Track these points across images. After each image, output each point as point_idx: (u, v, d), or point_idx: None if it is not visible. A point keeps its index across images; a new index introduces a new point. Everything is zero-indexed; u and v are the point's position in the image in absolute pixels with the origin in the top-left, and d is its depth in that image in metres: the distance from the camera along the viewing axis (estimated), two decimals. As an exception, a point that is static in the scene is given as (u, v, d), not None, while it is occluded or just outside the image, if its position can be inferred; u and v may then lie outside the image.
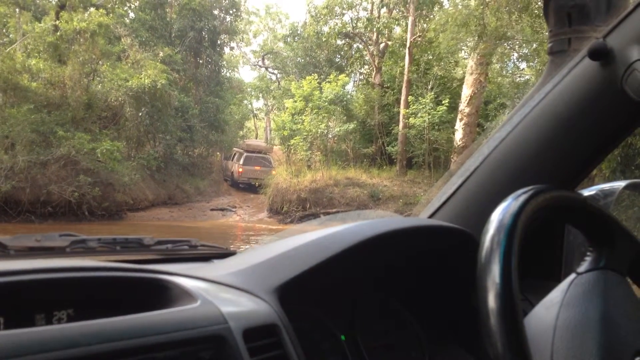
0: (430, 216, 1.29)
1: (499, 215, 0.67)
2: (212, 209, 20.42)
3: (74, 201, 15.38)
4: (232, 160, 25.45)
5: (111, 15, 18.90)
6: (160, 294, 0.82)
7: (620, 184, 1.27)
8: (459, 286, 1.23)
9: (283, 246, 1.04)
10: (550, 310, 0.77)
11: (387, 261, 1.21)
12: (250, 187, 23.13)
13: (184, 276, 0.88)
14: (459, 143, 15.19)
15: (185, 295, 0.81)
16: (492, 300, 0.60)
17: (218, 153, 27.49)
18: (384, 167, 19.58)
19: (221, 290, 0.89)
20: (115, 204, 17.02)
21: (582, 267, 0.82)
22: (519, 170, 1.14)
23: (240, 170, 23.81)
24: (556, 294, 0.80)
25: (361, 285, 1.22)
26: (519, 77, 19.42)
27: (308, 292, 1.03)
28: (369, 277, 1.23)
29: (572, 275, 0.82)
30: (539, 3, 11.88)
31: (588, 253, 0.83)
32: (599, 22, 1.08)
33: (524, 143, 1.14)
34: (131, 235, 1.13)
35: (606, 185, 1.29)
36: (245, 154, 24.18)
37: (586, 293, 0.78)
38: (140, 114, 19.18)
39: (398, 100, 19.72)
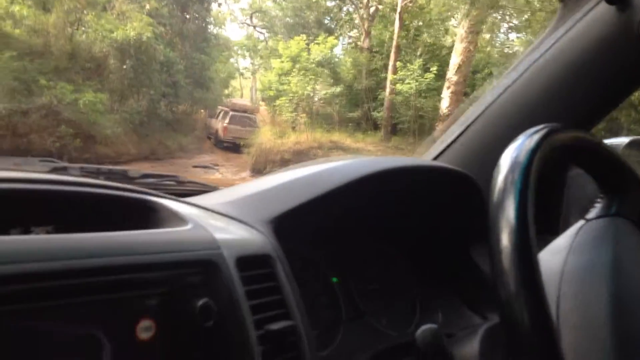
0: (434, 159, 1.25)
1: (512, 153, 0.63)
2: (194, 166, 20.21)
3: (55, 151, 15.08)
4: (216, 118, 25.14)
5: (97, -37, 18.34)
6: (148, 215, 0.77)
7: (623, 140, 1.25)
8: (456, 232, 1.20)
9: (280, 179, 1.00)
10: (557, 256, 0.74)
11: (385, 202, 1.17)
12: (233, 146, 22.93)
13: (174, 200, 0.83)
14: (444, 111, 15.14)
15: (175, 218, 0.76)
16: (505, 238, 0.56)
17: (202, 110, 27.15)
18: (369, 132, 19.49)
19: (214, 218, 0.84)
20: (97, 156, 16.76)
21: (592, 214, 0.79)
22: (526, 116, 1.11)
23: (225, 128, 23.57)
24: (563, 239, 0.77)
25: (356, 227, 1.19)
26: (508, 48, 19.34)
27: (302, 230, 0.99)
28: (365, 218, 1.20)
29: (581, 222, 0.79)
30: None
31: (598, 199, 0.80)
32: (615, -34, 1.03)
33: (533, 89, 1.11)
34: (116, 167, 1.08)
35: (607, 141, 1.26)
36: (230, 113, 23.88)
37: (596, 239, 0.75)
38: (124, 66, 18.78)
39: (386, 66, 19.52)
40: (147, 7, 20.91)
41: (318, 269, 1.10)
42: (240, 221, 0.85)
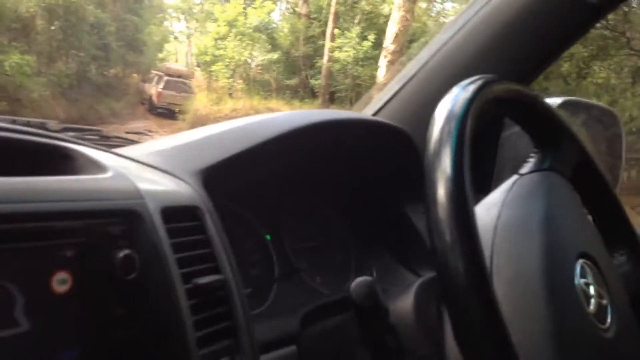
0: (372, 115, 1.23)
1: (448, 104, 0.61)
2: (127, 132, 19.58)
3: (-23, 114, 14.41)
4: (150, 83, 24.43)
5: None
6: (63, 163, 0.70)
7: (556, 100, 1.26)
8: (392, 189, 1.19)
9: (211, 130, 0.95)
10: (491, 211, 0.74)
11: (320, 157, 1.14)
12: (168, 113, 22.37)
13: (94, 148, 0.77)
14: (382, 80, 15.27)
15: (94, 167, 0.69)
16: (441, 189, 0.55)
17: (135, 75, 26.28)
18: (307, 100, 19.48)
19: (138, 168, 0.78)
20: (23, 121, 16.08)
21: (525, 168, 0.79)
22: (464, 70, 1.09)
23: (160, 94, 22.95)
24: (497, 194, 0.77)
25: (291, 183, 1.15)
26: (444, 17, 19.61)
27: (234, 183, 0.95)
28: (300, 174, 1.16)
29: (515, 177, 0.79)
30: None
31: (532, 154, 0.80)
32: None
33: (470, 44, 1.10)
34: (34, 119, 1.00)
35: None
36: (165, 78, 23.22)
37: (529, 193, 0.76)
38: (52, 27, 17.91)
39: (324, 33, 19.45)
40: (76, -36, 19.94)
41: (250, 226, 1.07)
42: (167, 172, 0.80)
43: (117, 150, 0.90)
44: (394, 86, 1.21)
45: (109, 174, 0.67)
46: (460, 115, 0.60)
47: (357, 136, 1.13)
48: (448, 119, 0.59)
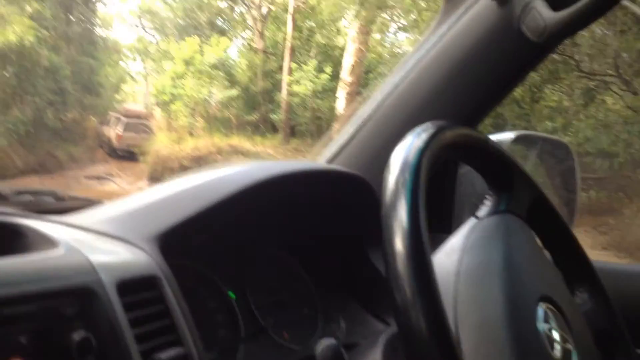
0: (329, 161, 1.23)
1: (402, 152, 0.62)
2: (87, 177, 19.33)
3: None
4: (109, 125, 24.18)
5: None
6: (12, 241, 0.68)
7: (509, 135, 1.28)
8: (354, 237, 1.19)
9: (165, 191, 0.93)
10: (452, 256, 0.74)
11: (279, 210, 1.13)
12: (129, 155, 22.11)
13: (46, 221, 0.74)
14: (341, 112, 15.41)
15: (45, 242, 0.67)
16: (399, 242, 0.55)
17: (93, 118, 25.97)
18: (268, 135, 19.47)
19: (90, 238, 0.76)
20: (-21, 172, 15.67)
21: (482, 212, 0.80)
22: (415, 114, 1.11)
23: (119, 136, 22.70)
24: (456, 239, 0.77)
25: (250, 237, 1.14)
26: (398, 48, 19.98)
27: (192, 244, 0.93)
28: (259, 228, 1.15)
29: (473, 220, 0.79)
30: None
31: (487, 197, 0.81)
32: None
33: (420, 86, 1.11)
34: (-16, 186, 0.97)
35: (493, 137, 1.29)
36: (123, 120, 23.04)
37: (488, 237, 0.76)
38: (6, 73, 17.63)
39: (281, 67, 19.59)
40: (29, 9, 19.72)
41: (213, 284, 1.04)
42: (123, 240, 0.78)
43: (71, 217, 0.87)
44: (349, 129, 1.22)
45: (60, 250, 0.65)
46: (413, 164, 0.60)
47: (315, 186, 1.13)
48: (402, 169, 0.60)
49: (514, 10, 0.92)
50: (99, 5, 26.79)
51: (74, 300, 0.61)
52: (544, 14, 0.86)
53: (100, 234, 0.79)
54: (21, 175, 17.95)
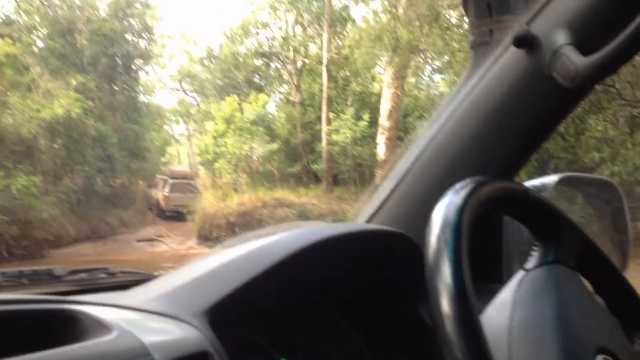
0: (367, 222, 1.22)
1: (442, 211, 0.62)
2: (138, 240, 19.79)
3: (-10, 241, 14.52)
4: (156, 188, 24.89)
5: (18, 44, 18.09)
6: (68, 328, 0.69)
7: (552, 178, 1.25)
8: (401, 294, 1.17)
9: (210, 264, 0.93)
10: (503, 312, 0.72)
11: (324, 273, 1.13)
12: (177, 215, 22.66)
13: (97, 304, 0.75)
14: (382, 157, 15.45)
15: (99, 327, 0.68)
16: (445, 304, 0.55)
17: (141, 182, 26.78)
18: (311, 186, 19.66)
19: (142, 318, 0.77)
20: (35, 242, 16.19)
21: (530, 264, 0.78)
22: (453, 167, 1.10)
23: (166, 197, 23.28)
24: (506, 293, 0.75)
25: (298, 303, 1.13)
26: (434, 89, 20.07)
27: (241, 313, 0.93)
28: (306, 292, 1.14)
29: (521, 273, 0.77)
30: (447, 15, 12.33)
31: (534, 248, 0.79)
32: (519, 11, 1.05)
33: (456, 138, 1.10)
34: (40, 267, 1.00)
35: (536, 181, 1.27)
36: (170, 181, 23.70)
37: (538, 290, 0.74)
38: (55, 145, 18.41)
39: (319, 118, 19.91)
40: (74, 82, 20.71)
41: (265, 352, 1.04)
42: (173, 317, 0.78)
43: (122, 295, 0.89)
44: (388, 185, 1.21)
45: (114, 334, 0.66)
46: (454, 223, 0.60)
47: (358, 247, 1.12)
48: (443, 228, 0.60)
49: (544, 58, 0.91)
50: (140, 73, 27.92)
51: None
52: (575, 60, 0.84)
53: (151, 313, 0.80)
54: (75, 242, 18.49)
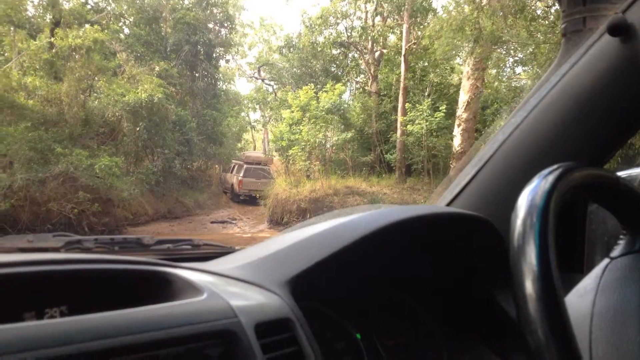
0: (449, 203, 1.23)
1: (528, 196, 0.62)
2: (212, 222, 20.30)
3: (74, 217, 15.28)
4: (231, 172, 25.41)
5: (106, 31, 18.82)
6: (162, 288, 0.75)
7: (638, 171, 1.22)
8: (479, 278, 1.17)
9: (294, 237, 0.98)
10: (585, 298, 0.72)
11: (402, 253, 1.15)
12: (250, 199, 23.09)
13: (188, 269, 0.81)
14: (457, 149, 15.14)
15: (190, 289, 0.74)
16: (529, 285, 0.55)
17: (217, 166, 27.46)
18: (383, 175, 19.52)
19: (229, 284, 0.82)
20: (115, 219, 16.93)
21: (616, 252, 0.77)
22: (539, 154, 1.09)
23: (240, 182, 23.75)
24: (589, 280, 0.75)
25: (375, 281, 1.16)
26: (515, 81, 19.41)
27: (320, 287, 0.97)
28: (383, 271, 1.17)
29: (606, 260, 0.77)
30: (533, 5, 11.88)
31: (621, 236, 0.78)
32: (614, -1, 1.03)
33: (543, 126, 1.09)
34: (130, 235, 1.07)
35: (624, 173, 1.24)
36: (244, 166, 24.13)
37: (623, 278, 0.73)
38: (137, 128, 19.10)
39: (395, 108, 19.70)
40: (157, 68, 21.43)
41: (340, 326, 1.07)
42: (257, 285, 0.83)
43: (210, 264, 0.94)
44: (469, 170, 1.21)
45: (204, 296, 0.71)
46: (541, 207, 0.60)
47: (438, 229, 1.13)
48: (530, 211, 0.60)
49: (639, 47, 0.89)
50: (220, 61, 28.48)
51: (217, 341, 0.67)
52: (671, 49, 0.83)
53: (236, 280, 0.85)
54: (152, 221, 19.20)
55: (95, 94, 18.91)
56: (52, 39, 16.80)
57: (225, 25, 27.51)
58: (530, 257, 0.56)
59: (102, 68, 18.43)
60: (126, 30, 24.79)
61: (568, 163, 0.68)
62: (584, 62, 1.02)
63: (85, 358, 0.55)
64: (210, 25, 26.37)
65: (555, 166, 0.66)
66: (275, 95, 30.93)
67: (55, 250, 0.95)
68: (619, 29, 0.93)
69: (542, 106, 1.09)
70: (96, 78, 18.39)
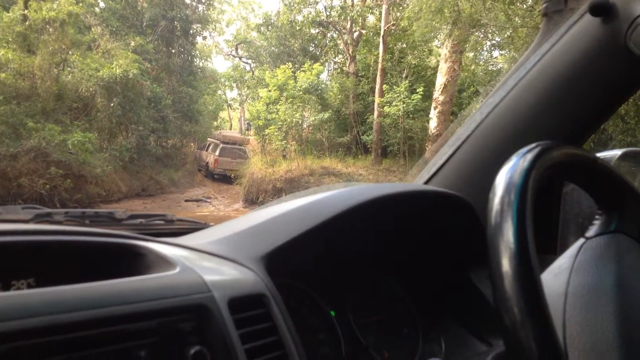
0: (426, 182, 1.23)
1: (507, 174, 0.61)
2: (186, 200, 20.18)
3: (45, 193, 15.06)
4: (206, 150, 25.28)
5: (81, 4, 18.37)
6: (134, 261, 0.74)
7: (615, 152, 1.24)
8: (454, 257, 1.18)
9: (270, 213, 0.97)
10: (560, 277, 0.72)
11: (378, 231, 1.14)
12: (225, 178, 23.01)
13: (161, 243, 0.80)
14: (433, 131, 15.22)
15: (163, 263, 0.72)
16: (506, 263, 0.55)
17: (192, 144, 27.24)
18: (360, 156, 19.57)
19: (203, 259, 0.81)
20: (88, 196, 16.72)
21: (592, 231, 0.77)
22: (517, 134, 1.09)
23: (216, 161, 23.63)
24: (564, 260, 0.76)
25: (351, 258, 1.16)
26: (492, 65, 19.54)
27: (296, 264, 0.96)
28: (359, 248, 1.17)
29: (581, 240, 0.77)
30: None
31: (597, 217, 0.79)
32: (597, -22, 1.03)
33: (521, 106, 1.09)
34: (102, 209, 1.05)
35: (599, 155, 1.25)
36: (220, 145, 24.01)
37: (597, 258, 0.74)
38: (112, 104, 18.80)
39: (373, 89, 19.69)
40: (132, 44, 21.09)
41: (315, 303, 1.07)
42: (231, 260, 0.82)
43: (183, 239, 0.93)
44: (446, 150, 1.21)
45: (177, 270, 0.70)
46: (519, 185, 0.60)
47: (413, 207, 1.13)
48: (508, 189, 0.59)
49: (620, 27, 0.89)
50: (197, 38, 28.11)
51: (190, 316, 0.66)
52: (653, 30, 0.83)
53: (210, 255, 0.83)
54: (125, 198, 19.03)
55: (69, 69, 18.55)
56: (26, 11, 16.37)
57: (203, 1, 27.12)
58: (508, 234, 0.56)
59: (76, 42, 18.07)
60: (101, 4, 24.24)
61: (547, 142, 0.67)
62: (564, 42, 1.02)
63: (51, 332, 0.53)
64: (188, 1, 25.98)
65: (534, 145, 0.66)
66: (253, 73, 30.66)
67: (24, 222, 0.92)
68: (600, 9, 0.93)
69: (521, 86, 1.09)
70: (70, 52, 18.02)
